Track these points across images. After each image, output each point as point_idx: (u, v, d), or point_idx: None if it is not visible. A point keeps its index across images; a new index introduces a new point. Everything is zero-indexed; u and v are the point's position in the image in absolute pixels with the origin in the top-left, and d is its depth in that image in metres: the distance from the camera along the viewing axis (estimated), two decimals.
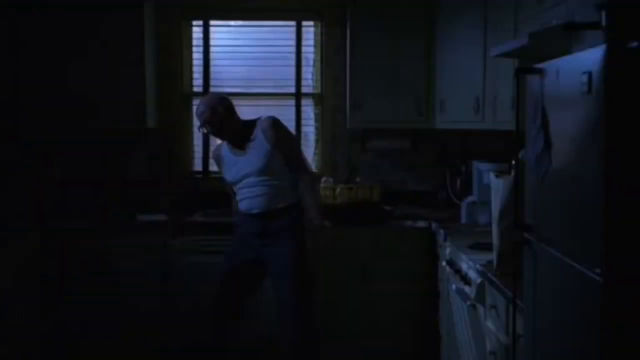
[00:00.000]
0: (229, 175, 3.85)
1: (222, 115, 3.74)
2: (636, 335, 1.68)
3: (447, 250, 3.79)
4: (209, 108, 3.73)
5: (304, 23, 4.98)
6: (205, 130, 3.82)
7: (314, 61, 5.02)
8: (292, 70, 4.99)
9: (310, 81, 5.04)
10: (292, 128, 5.01)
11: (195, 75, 5.00)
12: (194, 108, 4.94)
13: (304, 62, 5.00)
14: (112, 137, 4.84)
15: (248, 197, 3.76)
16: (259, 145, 3.72)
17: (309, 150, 5.05)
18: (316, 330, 3.80)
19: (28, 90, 4.50)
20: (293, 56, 4.98)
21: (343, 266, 4.37)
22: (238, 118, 3.84)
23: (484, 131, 4.27)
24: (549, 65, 2.07)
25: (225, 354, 3.90)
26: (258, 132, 3.74)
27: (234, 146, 3.81)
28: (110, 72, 4.49)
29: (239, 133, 3.80)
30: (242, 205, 3.80)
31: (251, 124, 3.80)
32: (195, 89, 5.00)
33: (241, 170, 3.78)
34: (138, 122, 4.57)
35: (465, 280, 3.34)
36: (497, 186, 2.90)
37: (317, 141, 5.04)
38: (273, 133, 3.71)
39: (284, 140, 3.75)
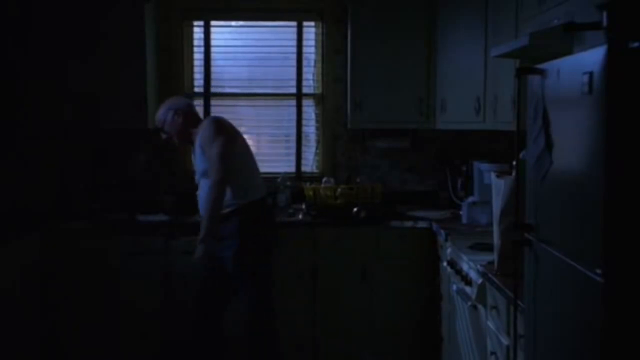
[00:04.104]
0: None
1: (176, 123, 3.83)
2: (636, 336, 1.68)
3: (448, 251, 3.78)
4: (161, 116, 3.86)
5: (305, 23, 4.98)
6: (163, 136, 3.91)
7: (315, 61, 5.01)
8: (293, 71, 4.99)
9: (310, 81, 5.04)
10: (292, 128, 5.03)
11: (196, 76, 5.00)
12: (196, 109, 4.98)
13: (304, 63, 5.00)
14: (112, 137, 4.84)
15: (199, 200, 3.80)
16: (197, 146, 3.75)
17: (310, 151, 5.05)
18: (266, 329, 3.84)
19: (28, 89, 4.50)
20: (294, 56, 4.98)
21: (343, 266, 4.37)
22: (194, 120, 3.88)
23: (485, 131, 4.27)
24: (550, 65, 2.06)
25: (213, 351, 3.93)
26: (199, 133, 3.76)
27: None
28: (111, 72, 4.49)
29: (189, 136, 3.84)
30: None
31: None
32: (196, 89, 5.00)
33: (196, 172, 3.84)
34: (139, 122, 4.56)
35: (466, 280, 3.34)
36: (498, 186, 2.90)
37: (317, 141, 5.04)
38: (202, 133, 3.72)
39: (206, 139, 3.69)
